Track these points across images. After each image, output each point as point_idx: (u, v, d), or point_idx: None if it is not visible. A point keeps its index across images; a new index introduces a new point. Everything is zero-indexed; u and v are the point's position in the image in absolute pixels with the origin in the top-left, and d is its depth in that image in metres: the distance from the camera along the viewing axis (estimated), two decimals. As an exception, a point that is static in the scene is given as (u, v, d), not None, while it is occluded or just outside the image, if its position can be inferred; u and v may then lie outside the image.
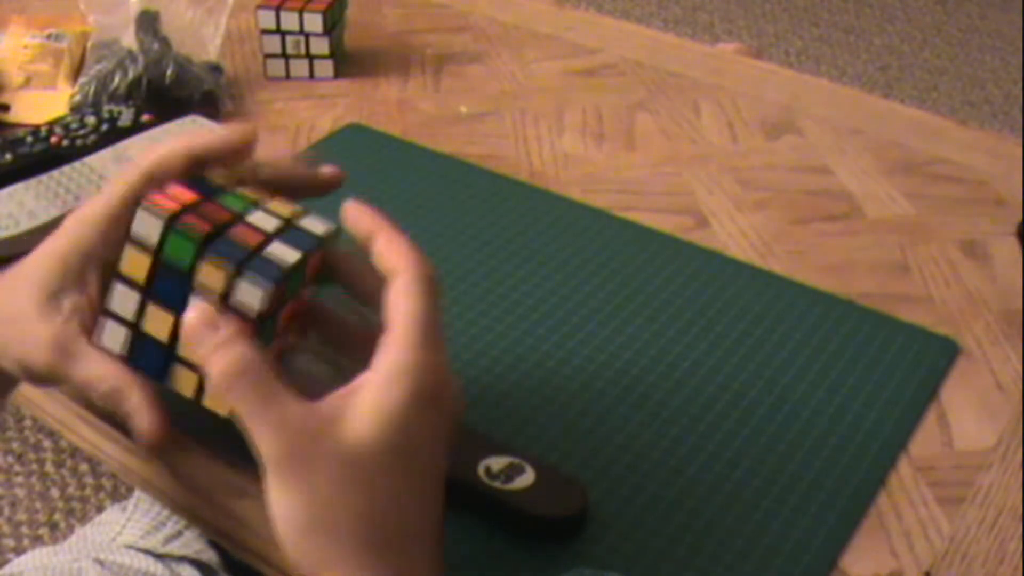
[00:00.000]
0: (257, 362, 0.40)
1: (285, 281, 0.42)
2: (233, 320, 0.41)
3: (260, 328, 0.42)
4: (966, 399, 0.59)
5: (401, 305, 0.41)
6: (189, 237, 0.42)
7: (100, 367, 0.45)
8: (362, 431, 0.39)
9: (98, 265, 0.46)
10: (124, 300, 0.44)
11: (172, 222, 0.42)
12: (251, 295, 0.41)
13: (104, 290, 0.45)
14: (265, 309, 0.41)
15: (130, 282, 0.43)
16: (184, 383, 0.43)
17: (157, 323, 0.43)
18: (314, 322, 0.48)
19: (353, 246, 0.45)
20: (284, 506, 0.39)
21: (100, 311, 0.45)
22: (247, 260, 0.41)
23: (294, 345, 0.47)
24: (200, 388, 0.43)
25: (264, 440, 0.39)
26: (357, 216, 0.44)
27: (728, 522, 0.51)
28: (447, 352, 0.42)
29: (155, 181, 0.45)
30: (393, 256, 0.42)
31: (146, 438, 0.45)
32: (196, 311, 0.41)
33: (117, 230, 0.45)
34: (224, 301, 0.41)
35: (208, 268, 0.41)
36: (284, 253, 0.42)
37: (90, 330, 0.45)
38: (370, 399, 0.39)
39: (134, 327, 0.44)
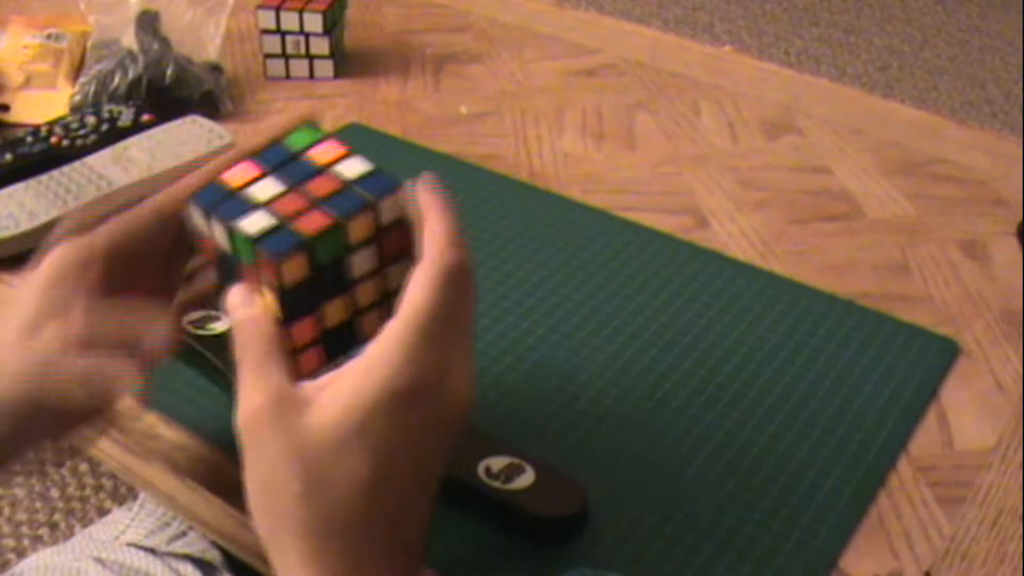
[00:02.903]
0: (265, 331, 0.41)
1: (302, 250, 0.41)
2: (265, 295, 0.42)
3: (292, 299, 0.42)
4: (966, 399, 0.59)
5: (411, 295, 0.40)
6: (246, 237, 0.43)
7: (76, 362, 0.44)
8: (322, 416, 0.38)
9: (93, 287, 0.46)
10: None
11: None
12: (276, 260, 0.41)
13: (93, 313, 0.45)
14: (285, 278, 0.41)
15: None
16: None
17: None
18: None
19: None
20: (244, 471, 0.40)
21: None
22: (271, 232, 0.42)
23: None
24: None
25: (241, 402, 0.40)
26: (419, 193, 0.43)
27: (728, 522, 0.51)
28: (462, 350, 0.41)
29: (166, 215, 0.46)
30: (427, 241, 0.41)
31: (138, 389, 0.44)
32: (235, 290, 0.43)
33: (119, 257, 0.46)
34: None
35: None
36: (311, 221, 0.42)
37: (74, 351, 0.45)
38: (342, 386, 0.39)
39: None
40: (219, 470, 0.53)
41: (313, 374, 0.41)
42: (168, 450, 0.55)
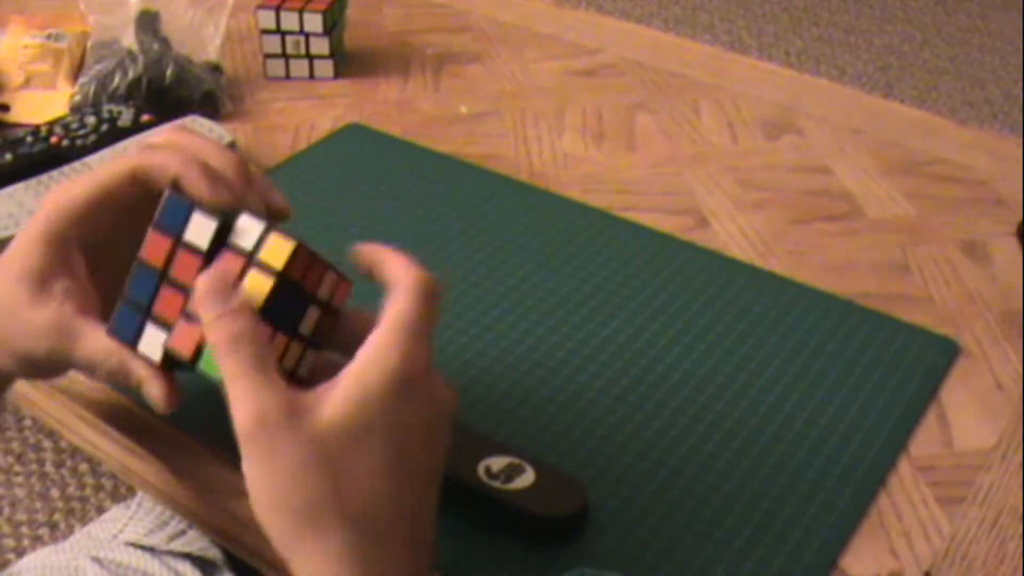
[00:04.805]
0: (259, 336, 0.41)
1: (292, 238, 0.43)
2: (242, 295, 0.42)
3: (274, 311, 0.42)
4: (966, 399, 0.59)
5: (391, 307, 0.42)
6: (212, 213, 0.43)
7: (104, 343, 0.45)
8: (332, 415, 0.39)
9: (81, 247, 0.46)
10: (142, 283, 0.45)
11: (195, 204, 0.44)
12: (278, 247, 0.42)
13: (92, 272, 0.46)
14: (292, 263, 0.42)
15: (149, 267, 0.45)
16: (185, 342, 0.44)
17: (168, 305, 0.44)
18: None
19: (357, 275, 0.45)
20: (252, 481, 0.40)
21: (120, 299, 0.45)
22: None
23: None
24: (198, 352, 0.43)
25: (240, 410, 0.40)
26: (367, 250, 0.45)
27: (728, 522, 0.51)
28: (432, 355, 0.42)
29: (140, 181, 0.46)
30: (396, 271, 0.43)
31: (162, 406, 0.45)
32: (210, 276, 0.42)
33: (99, 216, 0.46)
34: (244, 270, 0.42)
35: (273, 240, 0.42)
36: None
37: (86, 311, 0.46)
38: (344, 385, 0.40)
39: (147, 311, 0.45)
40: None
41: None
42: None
